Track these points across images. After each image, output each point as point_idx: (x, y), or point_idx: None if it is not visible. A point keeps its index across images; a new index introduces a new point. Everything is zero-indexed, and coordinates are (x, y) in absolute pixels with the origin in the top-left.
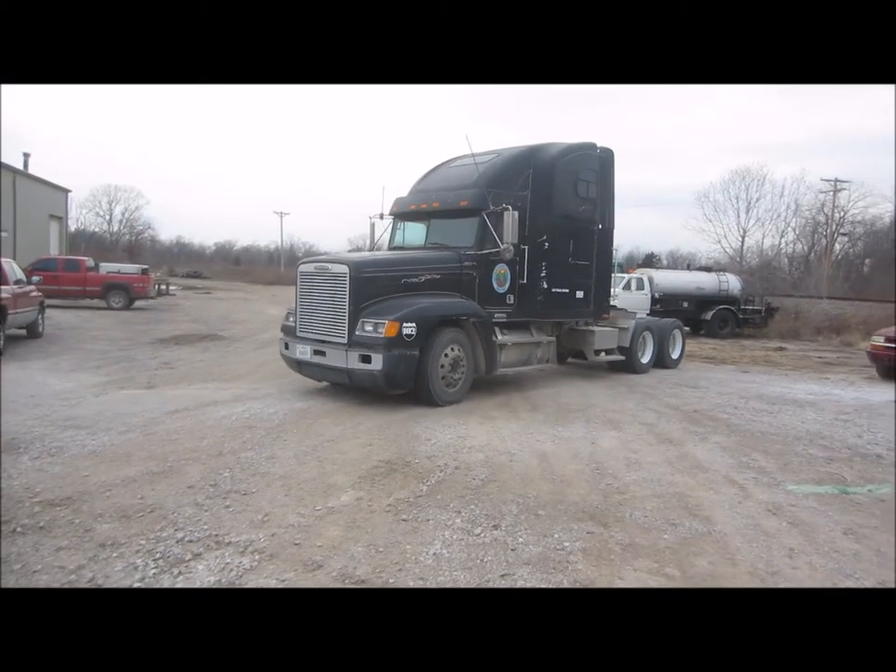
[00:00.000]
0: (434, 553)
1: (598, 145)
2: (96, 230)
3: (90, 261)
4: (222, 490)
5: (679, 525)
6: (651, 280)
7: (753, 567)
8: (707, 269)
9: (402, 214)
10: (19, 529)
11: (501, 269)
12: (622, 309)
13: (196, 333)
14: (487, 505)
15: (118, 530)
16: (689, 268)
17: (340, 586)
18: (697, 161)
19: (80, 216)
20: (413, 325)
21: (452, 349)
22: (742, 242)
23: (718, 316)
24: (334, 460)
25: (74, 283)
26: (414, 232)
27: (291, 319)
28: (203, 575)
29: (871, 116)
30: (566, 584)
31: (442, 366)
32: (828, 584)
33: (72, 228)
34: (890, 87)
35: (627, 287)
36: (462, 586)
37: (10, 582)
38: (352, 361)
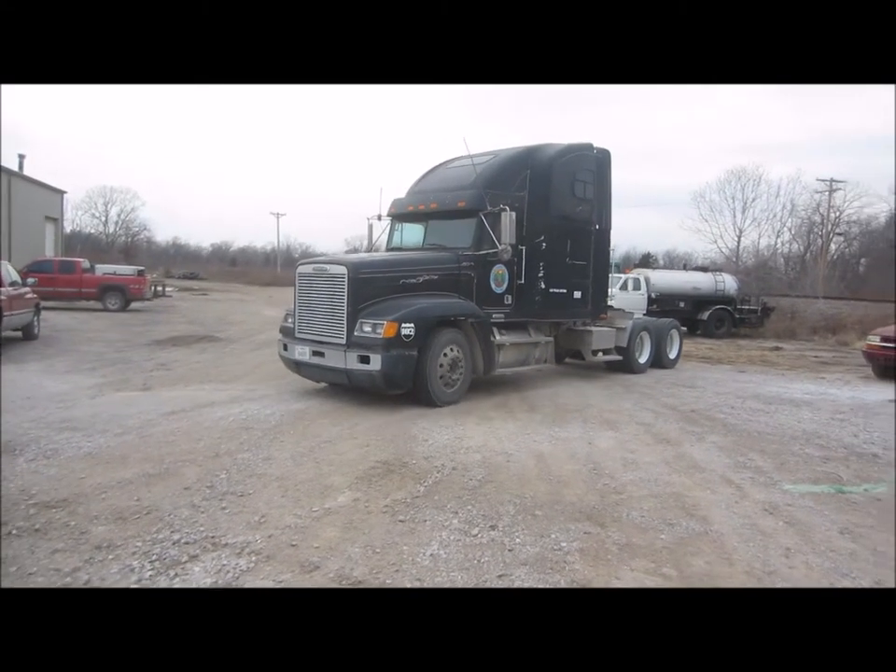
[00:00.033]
0: (431, 554)
1: (595, 145)
2: (92, 231)
3: (85, 263)
4: (219, 492)
5: (676, 525)
6: (647, 280)
7: (750, 567)
8: (704, 269)
9: (400, 215)
10: (14, 532)
11: (499, 269)
12: (619, 309)
13: (193, 335)
14: (484, 506)
15: (114, 532)
16: (685, 268)
17: (337, 587)
18: (696, 162)
19: (76, 217)
20: (412, 325)
21: (450, 349)
22: (738, 242)
23: (714, 316)
24: (331, 461)
25: (69, 284)
26: (412, 233)
27: (290, 320)
28: (199, 577)
29: (871, 116)
30: (563, 584)
31: (441, 366)
32: (824, 584)
33: (67, 229)
34: (890, 87)
35: (624, 287)
36: (459, 587)
37: (6, 585)
38: (351, 362)
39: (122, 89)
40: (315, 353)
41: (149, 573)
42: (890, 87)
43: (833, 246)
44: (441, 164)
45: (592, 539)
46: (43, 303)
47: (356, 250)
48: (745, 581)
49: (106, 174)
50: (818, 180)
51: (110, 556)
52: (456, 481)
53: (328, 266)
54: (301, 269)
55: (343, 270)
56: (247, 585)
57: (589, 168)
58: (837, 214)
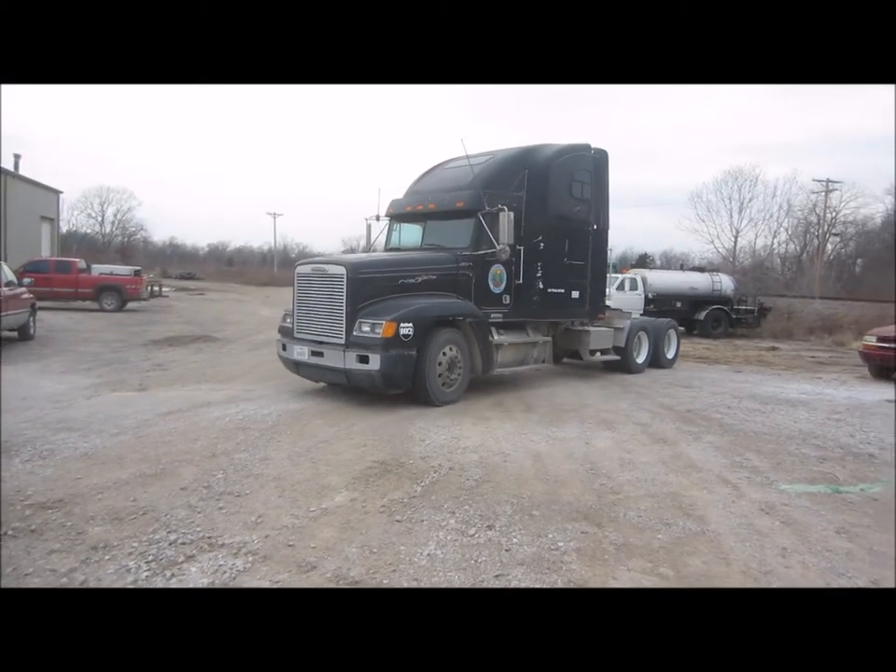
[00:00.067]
0: (428, 554)
1: (592, 145)
2: (88, 231)
3: (81, 263)
4: (215, 492)
5: (673, 525)
6: (644, 280)
7: (747, 567)
8: (701, 269)
9: (398, 215)
10: (10, 532)
11: (497, 269)
12: (617, 309)
13: (189, 335)
14: (481, 505)
15: (110, 533)
16: (682, 268)
17: (334, 587)
18: (696, 162)
19: (72, 217)
20: (410, 325)
21: (449, 349)
22: (735, 242)
23: (711, 316)
24: (328, 461)
25: (65, 284)
26: (410, 234)
27: (289, 321)
28: (196, 577)
29: (871, 116)
30: (560, 584)
31: (440, 364)
32: (821, 583)
33: (63, 229)
34: (890, 87)
35: (621, 287)
36: (457, 587)
37: (2, 586)
38: (350, 362)
39: (119, 89)
40: (314, 353)
41: (146, 574)
42: (890, 87)
43: (829, 247)
44: (438, 165)
45: (589, 539)
46: (39, 303)
47: (353, 250)
48: (741, 581)
49: (103, 173)
50: (814, 180)
51: (106, 557)
52: (453, 481)
53: (326, 266)
54: (299, 269)
55: (341, 270)
56: (244, 586)
57: (586, 168)
58: (833, 214)
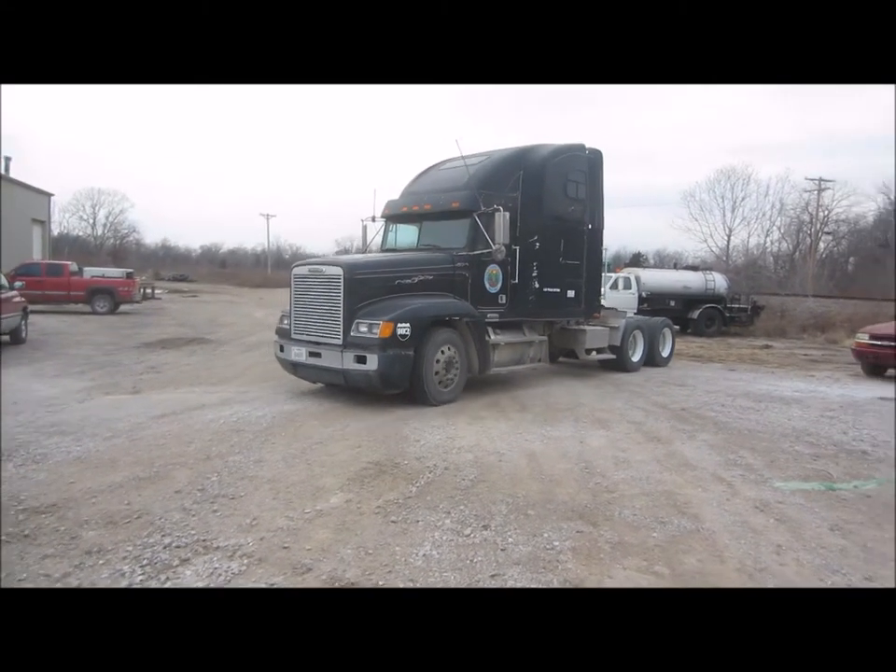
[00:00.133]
0: (424, 555)
1: (587, 146)
2: (80, 234)
3: (73, 266)
4: (210, 494)
5: (668, 523)
6: (638, 279)
7: (741, 564)
8: (694, 268)
9: (394, 216)
10: (3, 538)
11: (493, 269)
12: (612, 308)
13: (182, 337)
14: (477, 505)
15: (104, 537)
16: (675, 267)
17: (329, 587)
18: (696, 162)
19: (63, 220)
20: (407, 325)
21: (446, 349)
22: (728, 241)
23: (704, 315)
24: (323, 462)
25: (57, 288)
26: (406, 234)
27: (286, 322)
28: (190, 581)
29: (870, 116)
30: (556, 584)
31: (437, 363)
32: (815, 580)
33: (55, 232)
34: (890, 87)
35: (615, 286)
36: (452, 587)
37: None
38: (347, 362)
39: (109, 89)
40: (312, 353)
41: (140, 577)
42: (890, 87)
43: (821, 245)
44: (434, 165)
45: (584, 538)
46: (30, 307)
47: (347, 251)
48: (736, 578)
49: (93, 176)
50: (806, 179)
51: (101, 561)
52: (448, 481)
53: (323, 267)
54: (296, 270)
55: (338, 271)
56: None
57: (581, 168)
58: (826, 213)
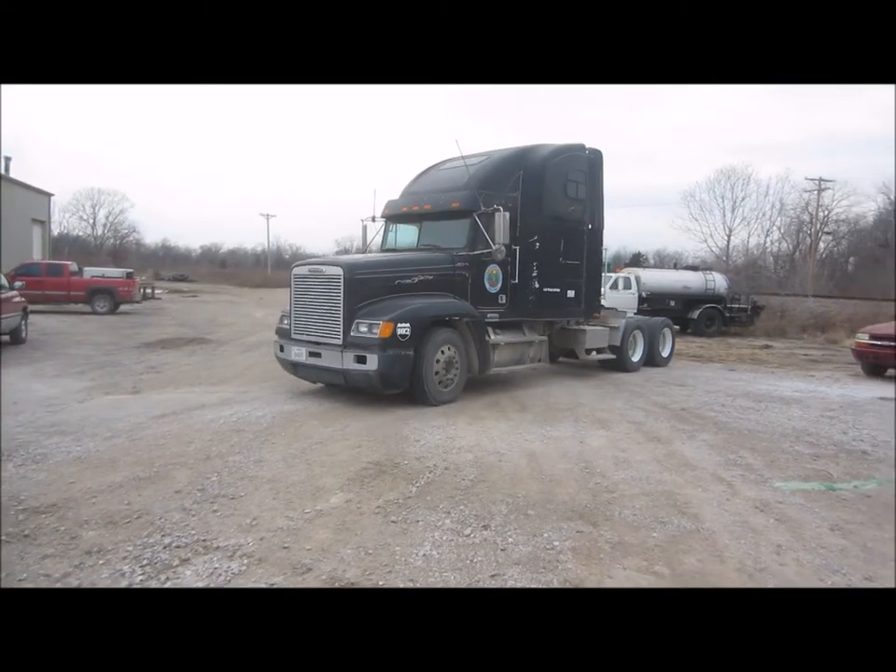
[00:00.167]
0: (424, 555)
1: (587, 146)
2: (80, 234)
3: (73, 266)
4: (210, 494)
5: (668, 523)
6: (638, 279)
7: (741, 564)
8: (694, 268)
9: (394, 216)
10: (3, 538)
11: (493, 269)
12: (612, 308)
13: (182, 337)
14: (477, 505)
15: (104, 537)
16: (675, 267)
17: (329, 587)
18: (696, 162)
19: (63, 220)
20: (407, 325)
21: (446, 349)
22: (728, 241)
23: (704, 315)
24: (323, 462)
25: (57, 288)
26: (406, 234)
27: (286, 322)
28: (190, 581)
29: (870, 116)
30: (556, 584)
31: (437, 363)
32: (815, 580)
33: (55, 232)
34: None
35: (615, 286)
36: (452, 587)
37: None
38: (347, 362)
39: (109, 89)
40: (312, 354)
41: (140, 577)
42: (890, 87)
43: (821, 245)
44: (434, 166)
45: (584, 538)
46: (31, 307)
47: (346, 251)
48: (736, 578)
49: (93, 175)
50: (806, 179)
51: (101, 561)
52: (448, 481)
53: (323, 267)
54: (296, 270)
55: (338, 271)
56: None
57: (581, 168)
58: (826, 213)
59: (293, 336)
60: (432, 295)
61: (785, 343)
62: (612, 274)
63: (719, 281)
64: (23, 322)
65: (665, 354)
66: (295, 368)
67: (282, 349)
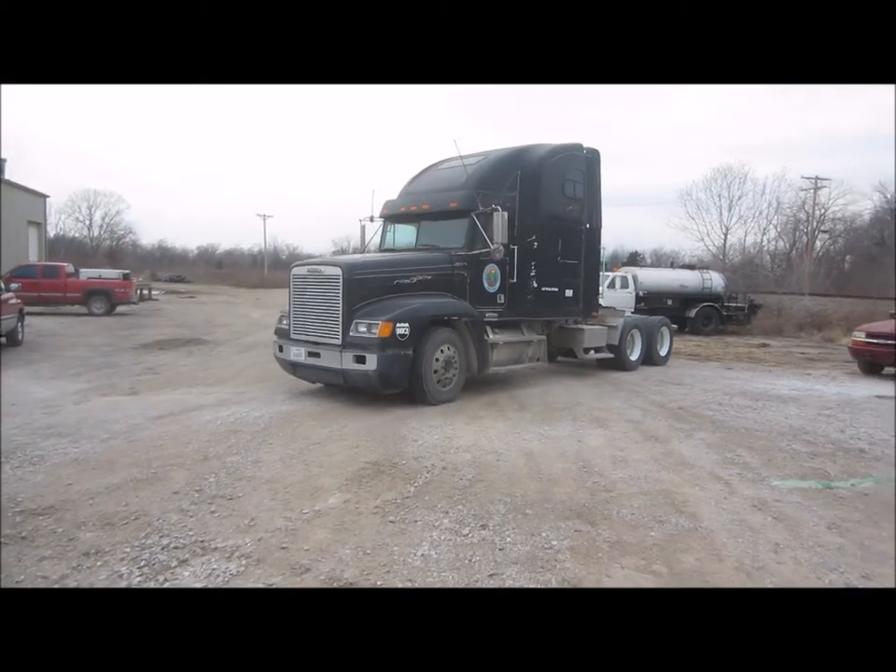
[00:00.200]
0: (422, 555)
1: (585, 145)
2: (76, 235)
3: (69, 267)
4: (207, 495)
5: (666, 522)
6: (635, 278)
7: (739, 563)
8: (691, 267)
9: (392, 216)
10: (1, 540)
11: (491, 269)
12: (610, 307)
13: (180, 338)
14: (475, 505)
15: (102, 538)
16: (672, 266)
17: (328, 587)
18: (695, 161)
19: (59, 221)
20: (406, 325)
21: (445, 348)
22: (725, 239)
23: (702, 314)
24: (321, 463)
25: (54, 289)
26: (405, 234)
27: (285, 322)
28: (189, 582)
29: (870, 116)
30: (554, 583)
31: (436, 362)
32: (813, 578)
33: (51, 234)
34: (890, 87)
35: (612, 285)
36: (451, 587)
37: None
38: (346, 362)
39: (105, 89)
40: (311, 354)
41: (138, 579)
42: (890, 87)
43: (818, 244)
44: (432, 166)
45: (582, 537)
46: (27, 309)
47: (343, 251)
48: (734, 577)
49: (89, 176)
50: (803, 178)
51: (98, 563)
52: (447, 480)
53: (322, 267)
54: (295, 270)
55: (337, 271)
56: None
57: (579, 168)
58: (822, 211)
59: (292, 336)
60: (431, 295)
61: (782, 342)
62: (610, 273)
63: (716, 280)
64: (20, 324)
65: (662, 353)
66: (294, 368)
67: (281, 349)
